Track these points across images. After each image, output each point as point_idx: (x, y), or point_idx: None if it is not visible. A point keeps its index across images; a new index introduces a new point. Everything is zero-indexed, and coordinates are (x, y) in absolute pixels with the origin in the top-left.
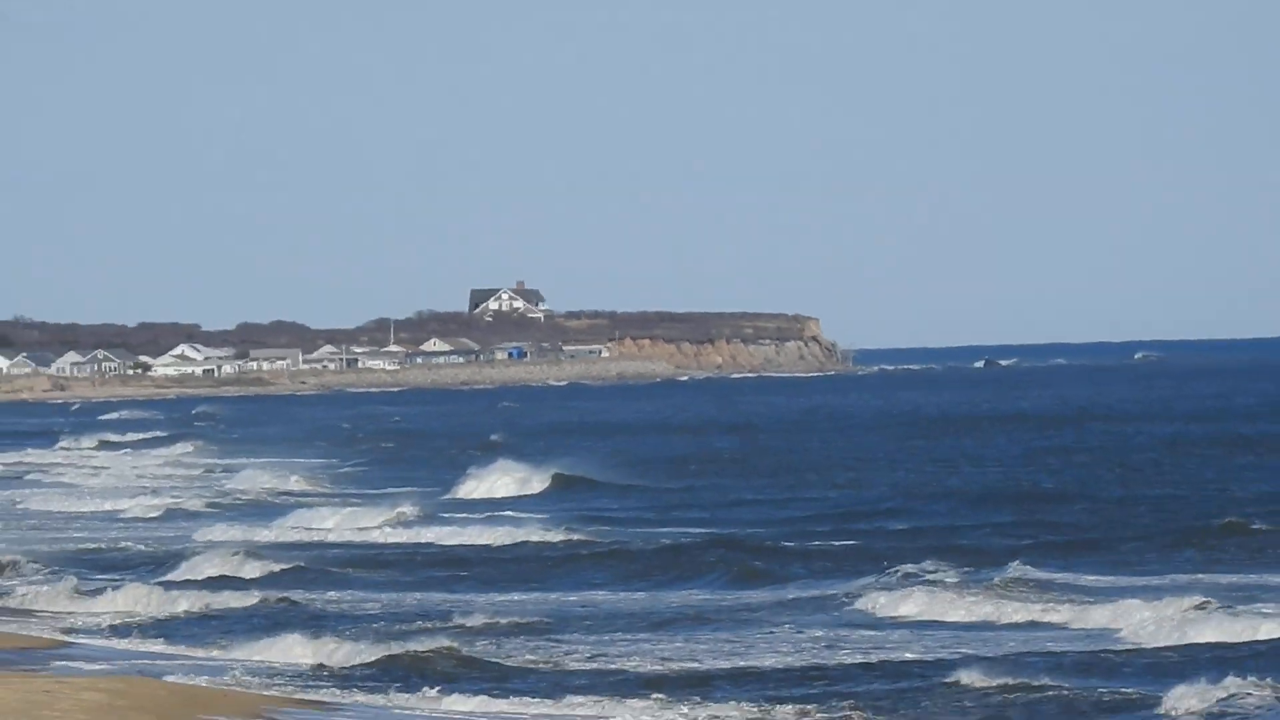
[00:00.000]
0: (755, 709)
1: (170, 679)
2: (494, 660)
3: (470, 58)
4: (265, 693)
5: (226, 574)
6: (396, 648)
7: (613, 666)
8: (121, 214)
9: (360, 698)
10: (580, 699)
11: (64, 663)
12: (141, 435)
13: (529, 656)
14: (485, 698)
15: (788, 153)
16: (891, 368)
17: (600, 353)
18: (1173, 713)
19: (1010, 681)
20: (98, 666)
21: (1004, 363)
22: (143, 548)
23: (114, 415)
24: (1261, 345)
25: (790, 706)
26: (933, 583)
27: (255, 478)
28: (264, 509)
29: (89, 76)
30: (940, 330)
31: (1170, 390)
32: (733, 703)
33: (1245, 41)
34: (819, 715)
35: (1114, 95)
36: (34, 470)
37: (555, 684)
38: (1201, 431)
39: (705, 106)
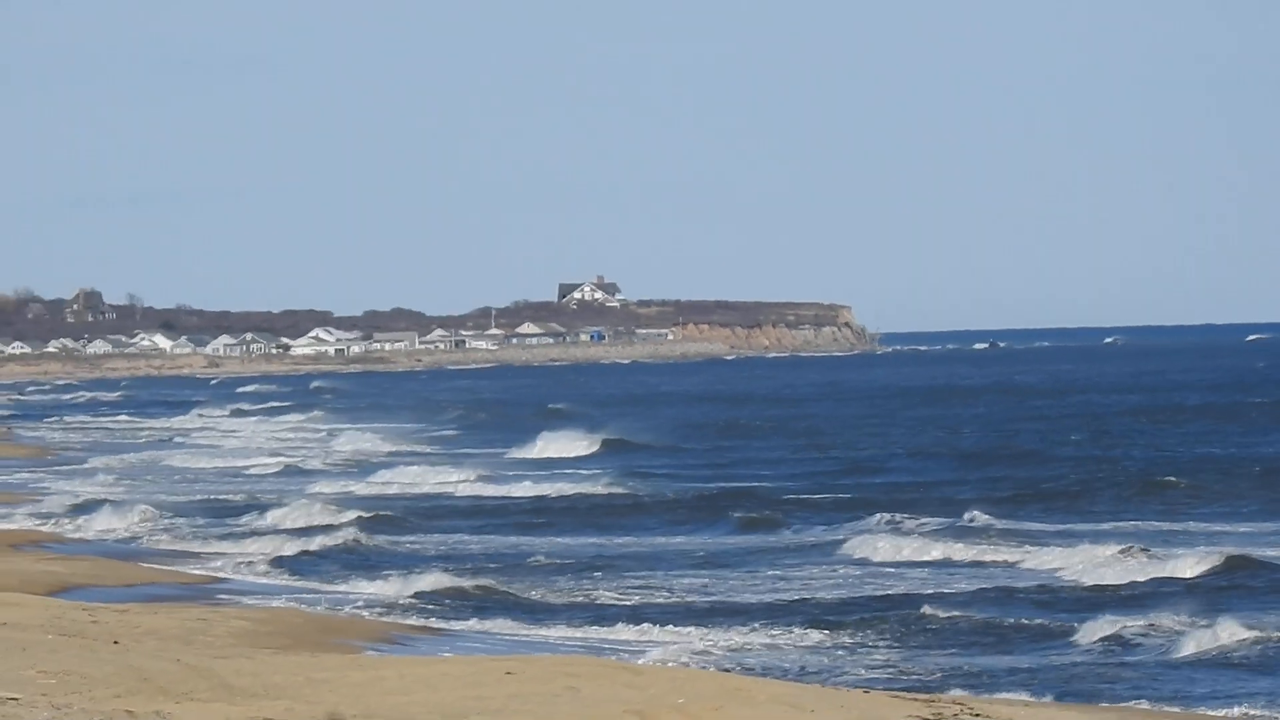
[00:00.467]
0: (767, 634)
1: (302, 608)
2: (537, 593)
3: (561, 78)
4: (383, 620)
5: (330, 522)
6: (472, 582)
7: (634, 600)
8: (268, 215)
9: (457, 625)
10: (621, 626)
11: (221, 595)
12: (269, 405)
13: (577, 590)
14: (540, 628)
15: (827, 161)
16: (907, 348)
17: (667, 335)
18: (1082, 642)
19: (963, 614)
20: (244, 599)
21: (1002, 344)
22: (264, 498)
23: (250, 388)
24: (1216, 330)
25: (791, 631)
26: (908, 530)
27: (358, 440)
28: (363, 467)
29: (237, 91)
30: (953, 316)
31: (1129, 367)
32: (747, 629)
33: (1220, 38)
34: (816, 638)
35: (1111, 104)
36: (179, 434)
37: (596, 614)
38: (1147, 401)
39: (757, 116)
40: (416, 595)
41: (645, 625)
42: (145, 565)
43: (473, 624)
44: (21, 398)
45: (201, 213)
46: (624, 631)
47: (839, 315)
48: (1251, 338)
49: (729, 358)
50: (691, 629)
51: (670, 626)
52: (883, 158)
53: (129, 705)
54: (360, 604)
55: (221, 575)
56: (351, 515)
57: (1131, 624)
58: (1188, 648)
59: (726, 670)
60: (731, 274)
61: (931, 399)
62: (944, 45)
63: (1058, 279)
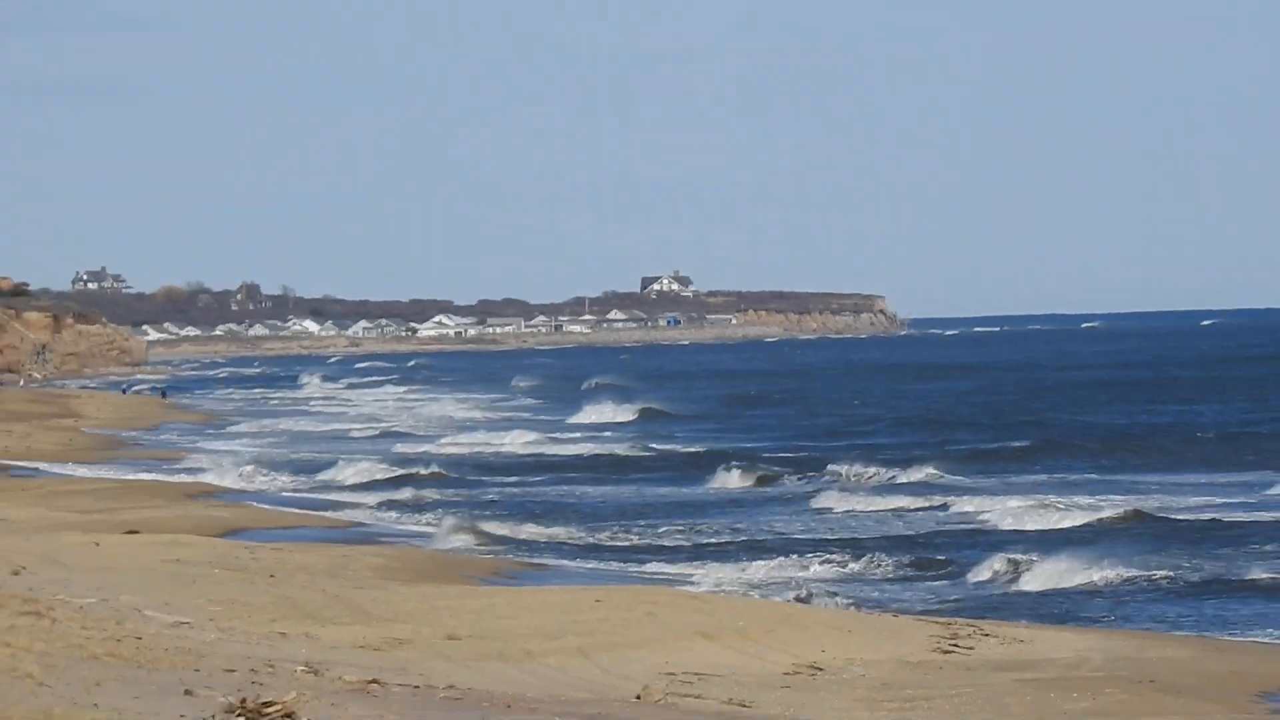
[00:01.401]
0: (754, 568)
1: (423, 547)
2: (591, 535)
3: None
4: (488, 558)
5: (420, 473)
6: (535, 527)
7: (672, 541)
8: (401, 217)
9: (550, 561)
10: (666, 564)
11: (356, 536)
12: (378, 379)
13: (619, 531)
14: (601, 563)
15: (867, 168)
16: (928, 331)
17: (731, 320)
18: (971, 578)
19: (906, 558)
20: (376, 539)
21: (1006, 328)
22: (365, 457)
23: (365, 364)
24: (1184, 315)
25: (765, 562)
26: (865, 486)
27: (444, 408)
28: (446, 429)
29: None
30: (971, 304)
31: (1098, 347)
32: (773, 563)
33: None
34: (789, 572)
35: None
36: (304, 402)
37: (645, 552)
38: (1095, 376)
39: (811, 131)
40: (504, 535)
41: (692, 561)
42: (294, 511)
43: (560, 562)
44: (192, 373)
45: (345, 215)
46: (677, 567)
47: (874, 304)
48: (1205, 323)
49: (773, 340)
50: (729, 564)
51: (709, 562)
52: (915, 166)
53: (282, 629)
54: (459, 545)
55: (357, 520)
56: (431, 470)
57: (1029, 558)
58: (1075, 579)
59: (769, 598)
60: (786, 268)
61: (928, 373)
62: (955, 61)
63: (1048, 271)
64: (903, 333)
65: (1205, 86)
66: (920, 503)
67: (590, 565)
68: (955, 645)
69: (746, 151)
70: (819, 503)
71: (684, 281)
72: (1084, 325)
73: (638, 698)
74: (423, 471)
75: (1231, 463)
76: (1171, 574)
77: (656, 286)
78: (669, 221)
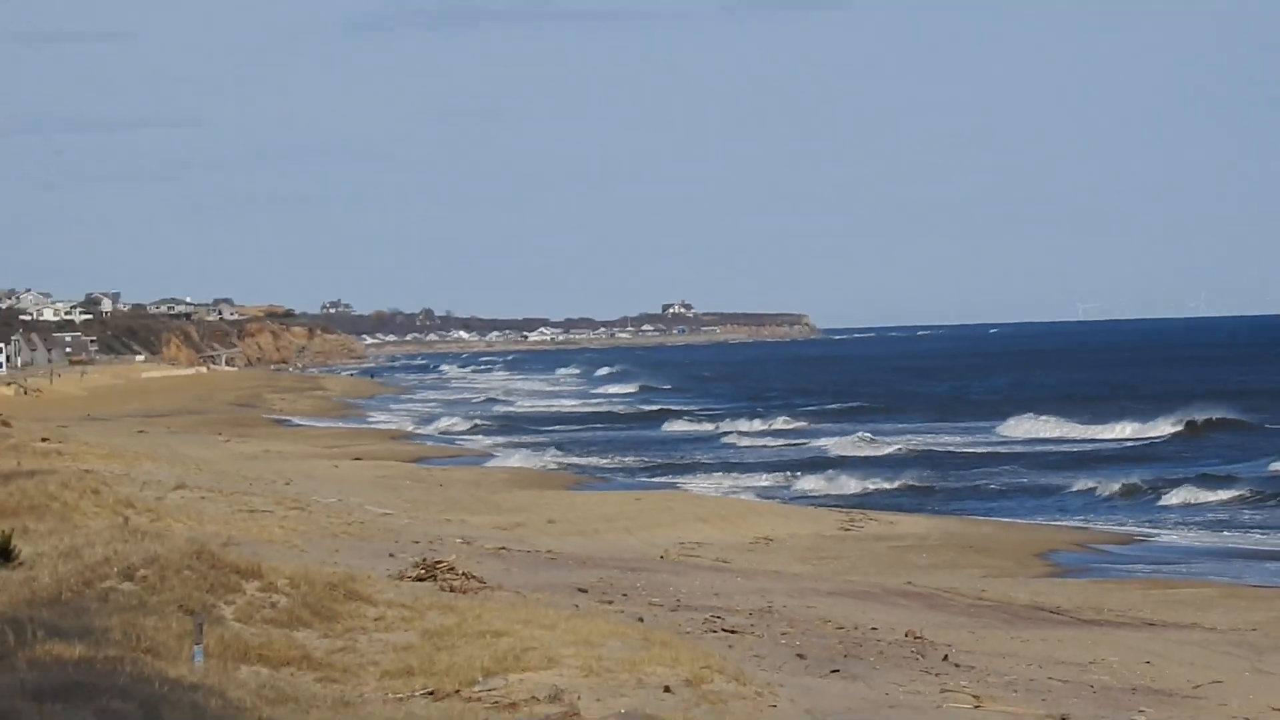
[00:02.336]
0: (717, 478)
1: (531, 468)
2: (616, 460)
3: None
4: (568, 474)
5: (510, 425)
6: (584, 459)
7: (665, 462)
8: (523, 253)
9: (600, 476)
10: (674, 476)
11: (489, 460)
12: (490, 367)
13: (630, 458)
14: (630, 477)
15: (802, 226)
16: (835, 338)
17: (716, 330)
18: (835, 489)
19: (796, 473)
20: (508, 461)
21: (921, 334)
22: (480, 412)
23: (487, 358)
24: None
25: (723, 475)
26: (753, 430)
27: (526, 385)
28: (520, 398)
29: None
30: (878, 315)
31: (929, 345)
32: (708, 476)
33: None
34: (742, 481)
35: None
36: (449, 379)
37: (652, 471)
38: (914, 364)
39: (787, 191)
40: (565, 465)
41: (680, 475)
42: (448, 445)
43: (609, 476)
44: (389, 364)
45: (487, 260)
46: (673, 478)
47: (802, 319)
48: (992, 330)
49: (738, 342)
50: (700, 476)
51: (696, 475)
52: (837, 220)
53: (447, 517)
54: (549, 465)
55: (488, 449)
56: (510, 423)
57: (845, 477)
58: (870, 486)
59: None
60: (750, 296)
61: (816, 362)
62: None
63: (948, 285)
64: (817, 338)
65: (1042, 127)
66: (789, 440)
67: (622, 478)
68: (851, 525)
69: (727, 221)
70: (727, 440)
71: (687, 306)
72: (991, 330)
73: (661, 557)
74: (512, 424)
75: (976, 415)
76: (943, 484)
77: (671, 310)
78: (680, 267)
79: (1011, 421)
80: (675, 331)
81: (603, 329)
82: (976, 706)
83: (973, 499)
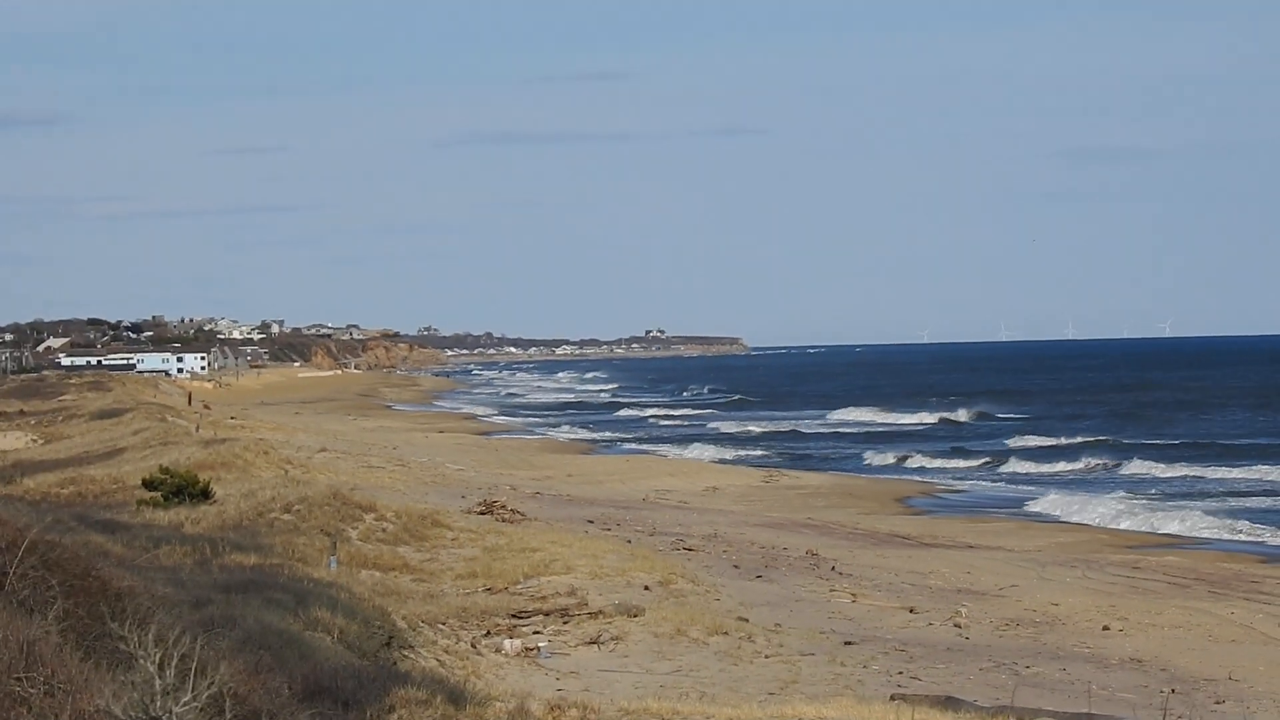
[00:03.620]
0: (675, 447)
1: (556, 439)
2: (609, 434)
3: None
4: (580, 443)
5: (532, 410)
6: (593, 434)
7: (639, 435)
8: (548, 297)
9: (606, 444)
10: (652, 445)
11: (533, 433)
12: (519, 372)
13: (617, 431)
14: (623, 444)
15: (746, 258)
16: (759, 353)
17: (680, 349)
18: (730, 455)
19: (713, 445)
20: (543, 436)
21: (811, 350)
22: (519, 404)
23: (524, 366)
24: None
25: (679, 446)
26: (670, 416)
27: (542, 384)
28: (535, 393)
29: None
30: (798, 335)
31: (854, 359)
32: (674, 445)
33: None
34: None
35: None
36: (491, 381)
37: (637, 440)
38: (792, 370)
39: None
40: (570, 437)
41: (658, 445)
42: (502, 421)
43: (615, 443)
44: (461, 370)
45: (526, 294)
46: (646, 446)
47: (738, 340)
48: (857, 349)
49: (694, 356)
50: (667, 445)
51: (663, 444)
52: (768, 259)
53: (500, 471)
54: (559, 436)
55: (526, 426)
56: (559, 406)
57: (725, 445)
58: (741, 453)
59: (699, 459)
60: (706, 323)
61: (733, 370)
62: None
63: (847, 313)
64: (745, 353)
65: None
66: (692, 421)
67: (612, 446)
68: (769, 479)
69: (689, 269)
70: (652, 420)
71: (661, 331)
72: (856, 349)
73: (642, 500)
74: (559, 407)
75: (821, 406)
76: (785, 450)
77: (650, 333)
78: (657, 302)
79: (840, 411)
80: (653, 349)
81: (604, 346)
82: (853, 600)
83: (808, 459)
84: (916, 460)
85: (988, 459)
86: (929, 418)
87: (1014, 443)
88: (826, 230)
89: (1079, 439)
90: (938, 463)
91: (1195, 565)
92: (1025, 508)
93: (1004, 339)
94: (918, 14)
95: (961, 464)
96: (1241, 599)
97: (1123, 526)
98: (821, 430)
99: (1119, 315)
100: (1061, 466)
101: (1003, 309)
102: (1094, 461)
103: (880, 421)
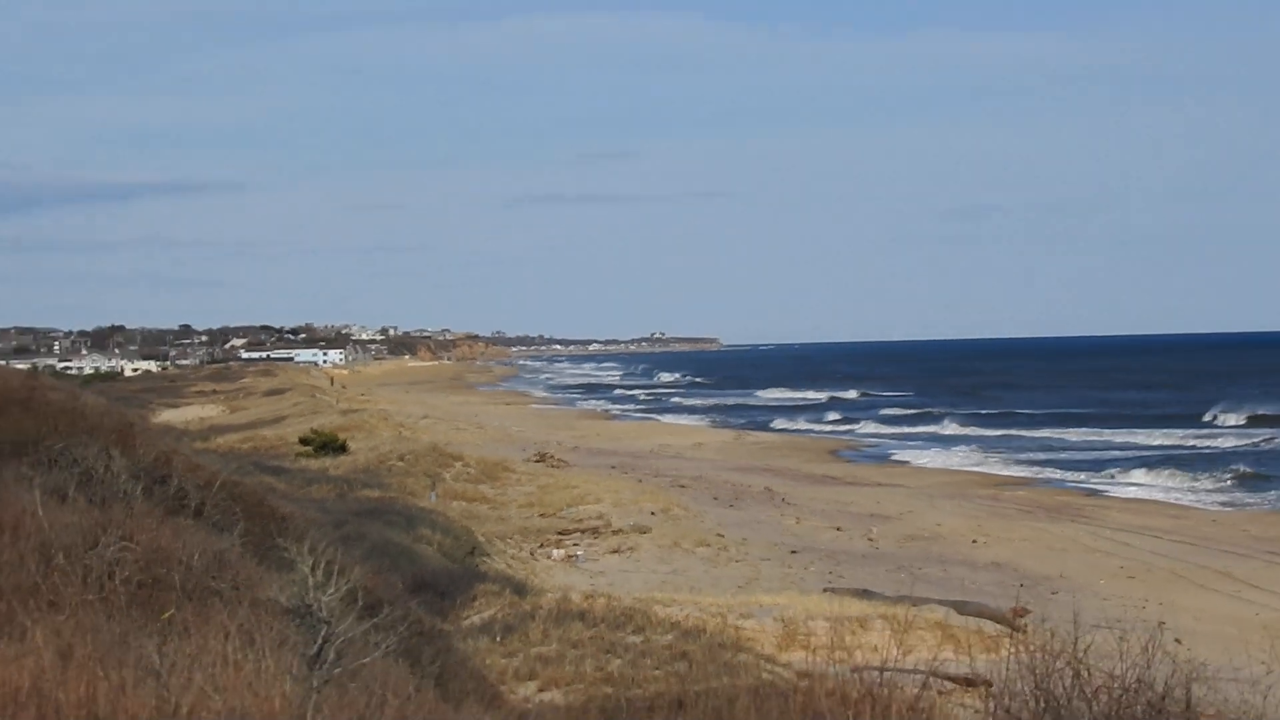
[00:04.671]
0: (670, 415)
1: (586, 408)
2: (621, 407)
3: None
4: (603, 411)
5: (570, 389)
6: (610, 405)
7: (644, 406)
8: (594, 308)
9: (619, 414)
10: (653, 414)
11: (573, 405)
12: (563, 362)
13: (632, 403)
14: (633, 414)
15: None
16: (731, 349)
17: (674, 345)
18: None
19: (696, 413)
20: (576, 407)
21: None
22: (554, 385)
23: (562, 359)
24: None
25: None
26: (648, 393)
27: (575, 370)
28: (567, 374)
29: None
30: (769, 334)
31: (798, 353)
32: (673, 414)
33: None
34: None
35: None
36: (541, 369)
37: (641, 410)
38: (753, 361)
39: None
40: (597, 408)
41: (654, 414)
42: (552, 397)
43: (624, 412)
44: (522, 362)
45: (566, 307)
46: (652, 414)
47: (715, 340)
48: (797, 346)
49: (685, 351)
50: (669, 415)
51: (661, 412)
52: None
53: (548, 435)
54: (587, 406)
55: (563, 401)
56: (586, 386)
57: (685, 414)
58: (697, 420)
59: (685, 423)
60: (696, 324)
61: (705, 362)
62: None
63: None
64: (719, 350)
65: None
66: (659, 396)
67: (626, 415)
68: (738, 438)
69: (680, 285)
70: (632, 395)
71: (662, 333)
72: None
73: (650, 452)
74: (566, 386)
75: (754, 387)
76: (725, 420)
77: (653, 334)
78: (659, 311)
79: (766, 391)
80: (655, 346)
81: (620, 344)
82: (797, 522)
83: (757, 422)
84: (845, 425)
85: (862, 422)
86: (822, 395)
87: (883, 412)
88: (779, 258)
89: (932, 410)
90: (863, 426)
91: (1036, 498)
92: (891, 457)
93: (903, 338)
94: (840, 112)
95: (867, 427)
96: (1069, 521)
97: (974, 470)
98: (752, 404)
99: (981, 322)
100: (920, 429)
101: (905, 315)
102: (939, 428)
103: (788, 398)
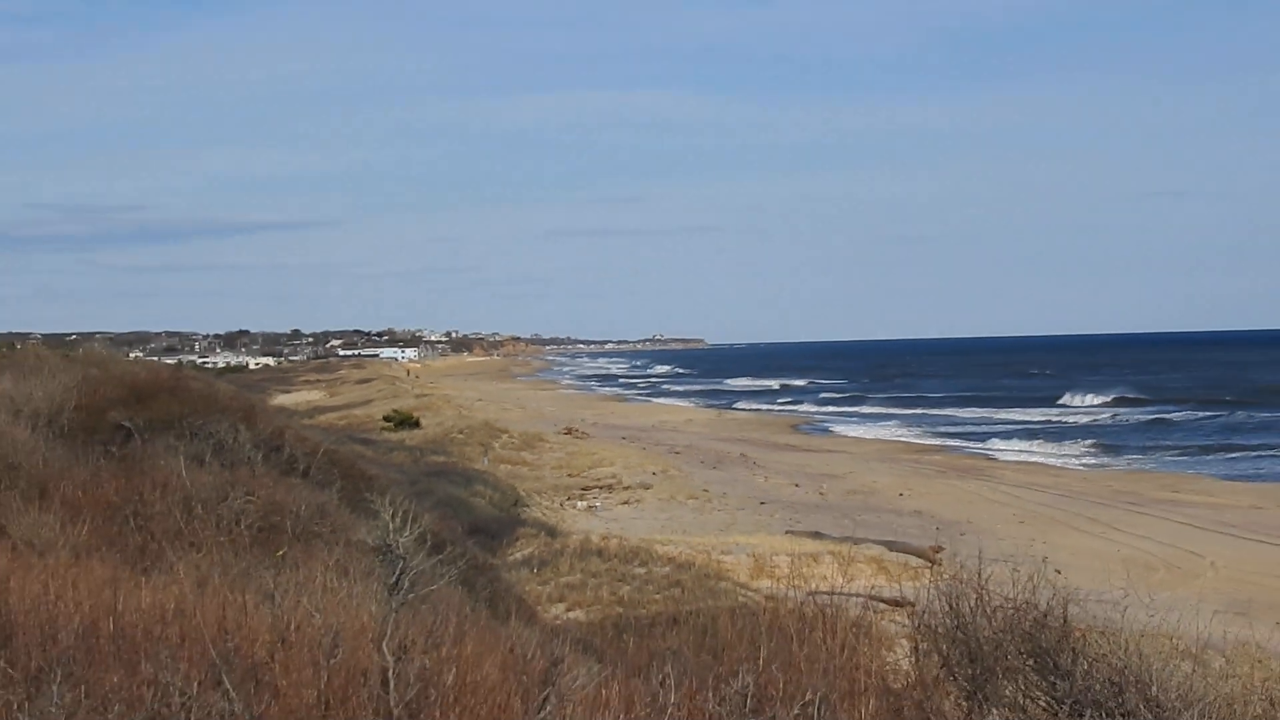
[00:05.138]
0: (665, 398)
1: (606, 393)
2: (637, 392)
3: None
4: (617, 393)
5: (587, 377)
6: (627, 390)
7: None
8: (599, 313)
9: (637, 397)
10: (657, 396)
11: (594, 390)
12: (584, 358)
13: (646, 389)
14: (650, 399)
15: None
16: (714, 347)
17: (670, 344)
18: (694, 401)
19: (688, 397)
20: (598, 391)
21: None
22: (584, 376)
23: (585, 356)
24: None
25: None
26: (649, 382)
27: (591, 364)
28: (587, 366)
29: None
30: (749, 333)
31: (765, 352)
32: (671, 398)
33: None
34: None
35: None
36: (566, 363)
37: (647, 393)
38: (732, 358)
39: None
40: (611, 392)
41: (654, 397)
42: (577, 384)
43: (636, 397)
44: (567, 360)
45: (588, 314)
46: (652, 395)
47: (702, 340)
48: (764, 345)
49: (679, 349)
50: (670, 398)
51: (658, 396)
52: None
53: (575, 410)
54: (603, 392)
55: (585, 388)
56: (589, 376)
57: (671, 398)
58: (682, 403)
59: (679, 405)
60: (690, 326)
61: (690, 357)
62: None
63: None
64: (704, 348)
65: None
66: (653, 384)
67: (632, 398)
68: (720, 415)
69: (675, 297)
70: (631, 383)
71: (661, 335)
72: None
73: (652, 426)
74: (592, 375)
75: (724, 376)
76: (707, 401)
77: (655, 335)
78: (659, 316)
79: (735, 379)
80: (655, 345)
81: (628, 343)
82: (765, 480)
83: (726, 405)
84: (794, 405)
85: (807, 404)
86: (775, 383)
87: (823, 395)
88: (753, 275)
89: (863, 394)
90: (808, 406)
91: (947, 461)
92: (834, 431)
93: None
94: (804, 161)
95: (812, 407)
96: (973, 479)
97: (898, 440)
98: (724, 389)
99: (911, 325)
100: (852, 409)
101: (850, 320)
102: (867, 408)
103: (752, 385)
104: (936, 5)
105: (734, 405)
